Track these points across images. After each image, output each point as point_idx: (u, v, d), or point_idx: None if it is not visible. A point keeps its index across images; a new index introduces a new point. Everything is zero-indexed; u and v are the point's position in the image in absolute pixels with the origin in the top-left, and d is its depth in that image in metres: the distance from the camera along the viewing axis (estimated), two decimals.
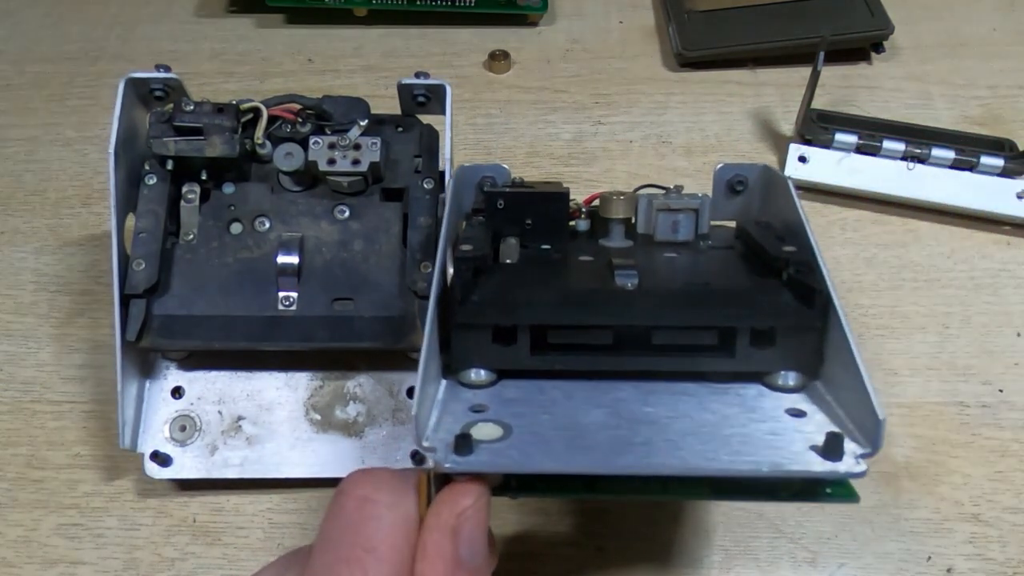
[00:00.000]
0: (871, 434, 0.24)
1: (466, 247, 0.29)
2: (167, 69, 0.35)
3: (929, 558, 0.35)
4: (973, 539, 0.35)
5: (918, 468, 0.37)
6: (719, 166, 0.36)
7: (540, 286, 0.30)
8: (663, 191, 0.36)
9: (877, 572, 0.34)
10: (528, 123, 0.50)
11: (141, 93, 0.36)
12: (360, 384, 0.37)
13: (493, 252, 0.32)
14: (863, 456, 0.24)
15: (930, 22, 0.55)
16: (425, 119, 0.37)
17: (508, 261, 0.32)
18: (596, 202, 0.36)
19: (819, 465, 0.24)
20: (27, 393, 0.40)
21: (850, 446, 0.24)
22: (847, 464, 0.24)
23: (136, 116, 0.36)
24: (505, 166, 0.35)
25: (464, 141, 0.49)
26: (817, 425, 0.26)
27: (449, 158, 0.35)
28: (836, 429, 0.25)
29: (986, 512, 0.36)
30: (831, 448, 0.24)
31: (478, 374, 0.28)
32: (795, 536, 0.35)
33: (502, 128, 0.50)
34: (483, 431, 0.25)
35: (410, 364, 0.37)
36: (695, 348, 0.29)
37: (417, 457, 0.35)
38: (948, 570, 0.34)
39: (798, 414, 0.27)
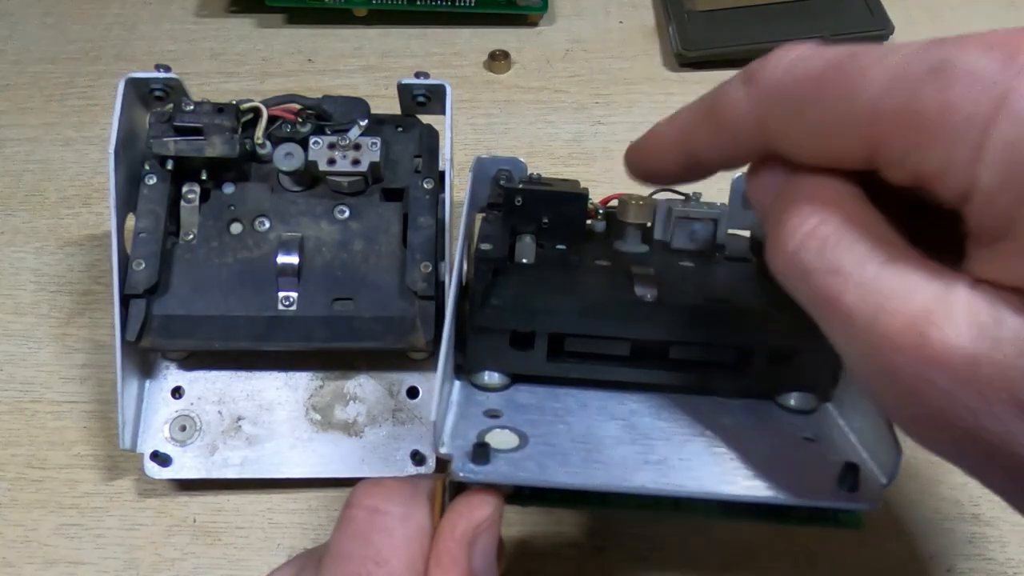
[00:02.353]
0: (887, 465, 0.24)
1: (486, 246, 0.29)
2: (167, 69, 0.35)
3: (929, 558, 0.35)
4: (973, 539, 0.35)
5: (918, 468, 0.37)
6: (736, 176, 0.35)
7: (559, 292, 0.29)
8: (681, 197, 0.35)
9: (877, 572, 0.34)
10: (528, 123, 0.50)
11: (141, 93, 0.36)
12: (360, 384, 0.37)
13: (509, 250, 0.32)
14: (879, 488, 0.24)
15: (930, 22, 0.55)
16: (425, 119, 0.37)
17: (524, 260, 0.31)
18: (613, 203, 0.36)
19: (835, 495, 0.24)
20: (27, 393, 0.40)
21: (865, 473, 0.24)
22: (863, 496, 0.24)
23: (136, 116, 0.36)
24: (522, 160, 0.35)
25: (464, 141, 0.49)
26: (830, 451, 0.26)
27: (449, 158, 0.35)
28: (850, 458, 0.25)
29: (986, 512, 0.36)
30: (847, 479, 0.24)
31: (492, 377, 0.28)
32: (795, 536, 0.35)
33: (502, 128, 0.50)
34: (499, 439, 0.25)
35: (410, 364, 0.37)
36: (711, 364, 0.29)
37: (417, 457, 0.35)
38: (948, 570, 0.34)
39: (811, 438, 0.27)
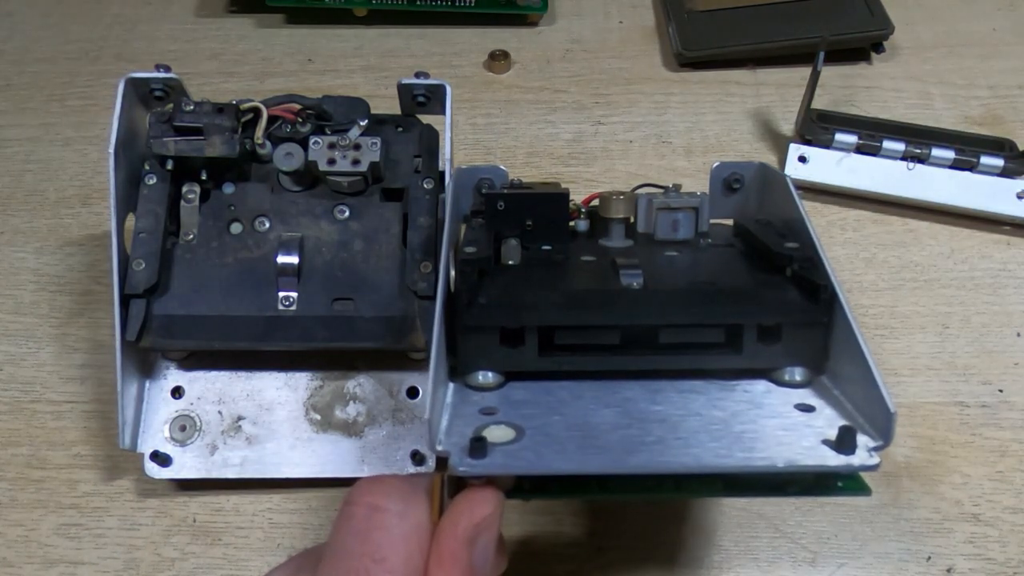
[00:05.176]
0: (882, 427, 0.24)
1: (470, 249, 0.29)
2: (167, 69, 0.35)
3: (929, 558, 0.35)
4: (973, 539, 0.35)
5: (918, 468, 0.37)
6: (716, 164, 0.36)
7: (546, 287, 0.30)
8: (661, 190, 0.36)
9: (877, 572, 0.34)
10: (528, 123, 0.50)
11: (141, 93, 0.36)
12: (360, 384, 0.37)
13: (494, 254, 0.32)
14: (875, 449, 0.24)
15: (930, 22, 0.55)
16: (425, 119, 0.37)
17: (511, 262, 0.32)
18: (595, 202, 0.36)
19: (833, 459, 0.24)
20: (27, 393, 0.40)
21: (861, 439, 0.24)
22: (860, 457, 0.24)
23: (136, 116, 0.36)
24: (503, 167, 0.35)
25: (464, 141, 0.49)
26: (826, 419, 0.26)
27: (449, 158, 0.35)
28: (846, 423, 0.25)
29: (986, 512, 0.36)
30: (844, 442, 0.24)
31: (485, 376, 0.29)
32: (795, 536, 0.35)
33: (502, 128, 0.50)
34: (495, 434, 0.25)
35: (410, 364, 0.37)
36: (702, 346, 0.29)
37: (417, 457, 0.35)
38: (948, 570, 0.34)
39: (807, 409, 0.27)
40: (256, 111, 0.35)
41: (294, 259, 0.35)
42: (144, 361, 0.36)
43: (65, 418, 0.39)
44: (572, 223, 0.36)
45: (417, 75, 0.36)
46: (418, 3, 0.54)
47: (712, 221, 0.35)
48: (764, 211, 0.35)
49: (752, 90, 0.51)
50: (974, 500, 0.36)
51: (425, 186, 0.36)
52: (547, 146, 0.49)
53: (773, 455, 0.24)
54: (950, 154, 0.45)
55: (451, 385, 0.28)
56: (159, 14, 0.57)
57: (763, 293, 0.29)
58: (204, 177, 0.35)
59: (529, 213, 0.33)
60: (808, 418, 0.26)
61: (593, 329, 0.28)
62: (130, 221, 0.35)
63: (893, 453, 0.37)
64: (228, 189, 0.36)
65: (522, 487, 0.26)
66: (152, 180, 0.35)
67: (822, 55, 0.43)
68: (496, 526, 0.24)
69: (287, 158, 0.35)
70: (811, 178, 0.45)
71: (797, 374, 0.29)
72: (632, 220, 0.35)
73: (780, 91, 0.51)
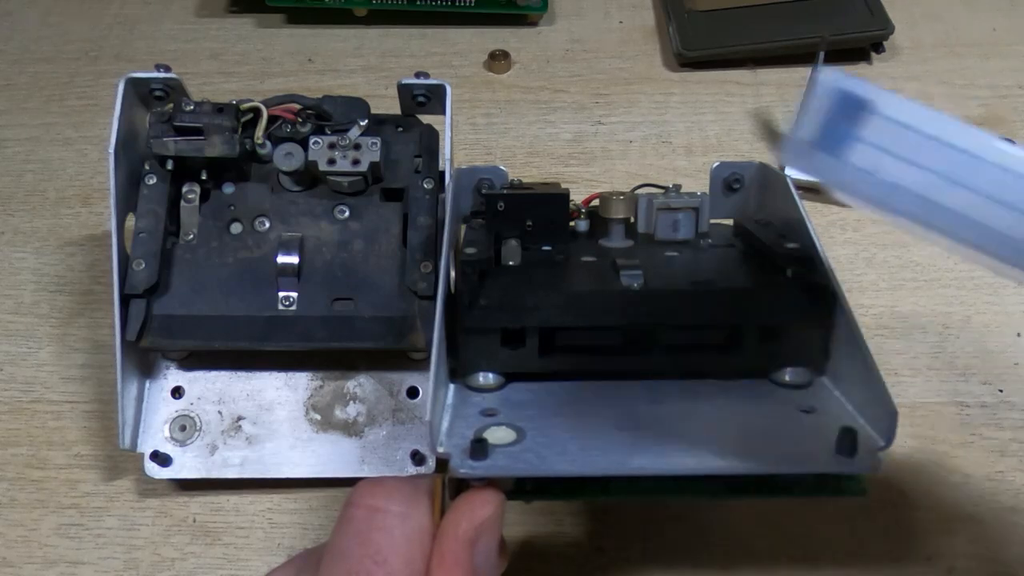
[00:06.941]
0: (884, 428, 0.24)
1: (470, 250, 0.30)
2: (167, 69, 0.35)
3: (929, 558, 0.35)
4: (973, 539, 0.35)
5: (918, 468, 0.37)
6: (715, 164, 0.36)
7: (547, 288, 0.30)
8: (662, 190, 0.36)
9: (877, 572, 0.34)
10: (528, 123, 0.50)
11: (141, 93, 0.36)
12: (360, 384, 0.37)
13: (495, 255, 0.32)
14: (877, 450, 0.24)
15: (930, 22, 0.55)
16: (425, 119, 0.37)
17: (511, 263, 0.32)
18: (595, 202, 0.36)
19: (835, 461, 0.24)
20: (27, 393, 0.40)
21: (863, 440, 0.24)
22: (862, 459, 0.24)
23: (136, 116, 0.36)
24: (503, 168, 0.35)
25: (464, 141, 0.49)
26: (828, 421, 0.26)
27: (449, 158, 0.35)
28: (848, 424, 0.25)
29: (986, 512, 0.36)
30: (846, 444, 0.24)
31: (486, 378, 0.29)
32: (794, 536, 0.35)
33: (502, 128, 0.50)
34: (497, 435, 0.25)
35: (410, 364, 0.37)
36: (702, 347, 0.29)
37: (417, 457, 0.35)
38: (948, 570, 0.34)
39: (808, 410, 0.27)
40: (256, 111, 0.35)
41: (294, 259, 0.35)
42: (144, 361, 0.36)
43: (65, 418, 0.39)
44: (572, 223, 0.36)
45: (417, 75, 0.36)
46: (418, 3, 0.54)
47: (712, 221, 0.35)
48: (764, 211, 0.35)
49: (752, 90, 0.51)
50: (974, 500, 0.36)
51: (425, 186, 0.36)
52: (547, 146, 0.49)
53: (775, 457, 0.24)
54: None
55: (452, 386, 0.29)
56: (159, 14, 0.57)
57: (764, 294, 0.29)
58: (204, 177, 0.35)
59: (529, 213, 0.33)
60: (809, 419, 0.26)
61: (594, 330, 0.28)
62: (130, 221, 0.35)
63: (893, 453, 0.37)
64: (228, 189, 0.36)
65: (523, 488, 0.26)
66: (152, 180, 0.35)
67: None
68: (497, 527, 0.24)
69: (287, 158, 0.35)
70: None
71: (798, 375, 0.29)
72: (632, 220, 0.35)
73: (780, 91, 0.51)
